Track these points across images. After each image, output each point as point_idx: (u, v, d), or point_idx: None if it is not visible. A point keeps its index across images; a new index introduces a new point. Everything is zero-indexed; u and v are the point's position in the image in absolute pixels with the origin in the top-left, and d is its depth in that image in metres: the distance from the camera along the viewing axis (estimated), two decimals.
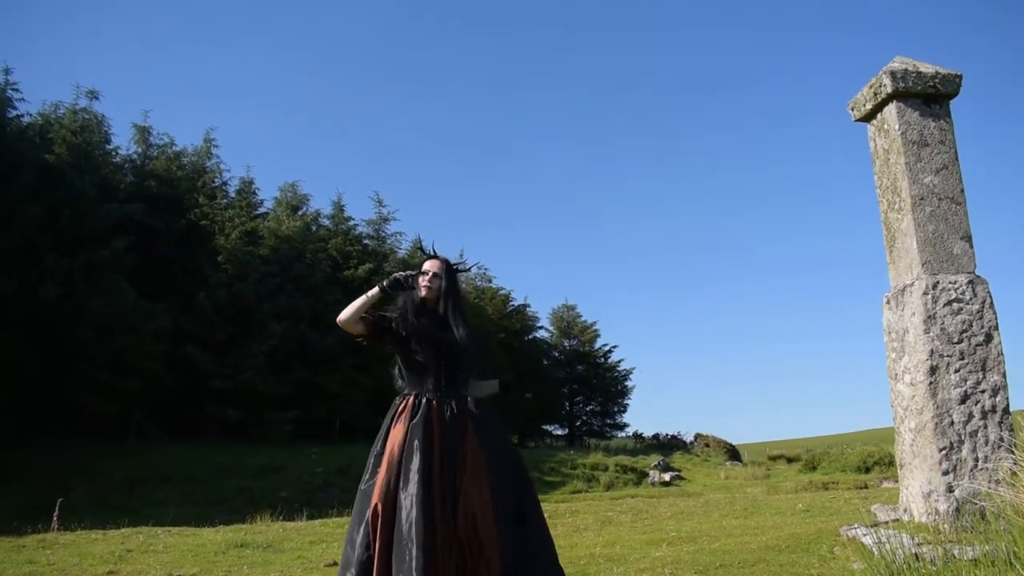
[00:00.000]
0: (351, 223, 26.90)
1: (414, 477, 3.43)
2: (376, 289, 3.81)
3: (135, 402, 19.41)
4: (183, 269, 21.76)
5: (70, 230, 17.95)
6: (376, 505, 3.42)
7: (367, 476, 3.56)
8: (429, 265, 3.94)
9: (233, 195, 25.17)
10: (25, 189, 17.16)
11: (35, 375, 17.04)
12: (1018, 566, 2.56)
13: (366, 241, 26.88)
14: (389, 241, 27.68)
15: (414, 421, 3.58)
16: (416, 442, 3.52)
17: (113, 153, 22.55)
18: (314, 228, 25.67)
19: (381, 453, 3.58)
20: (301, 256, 23.43)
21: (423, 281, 3.86)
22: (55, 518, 9.75)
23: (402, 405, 3.68)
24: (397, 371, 3.80)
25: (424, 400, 3.66)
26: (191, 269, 21.67)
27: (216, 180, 24.96)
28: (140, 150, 23.80)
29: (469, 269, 4.12)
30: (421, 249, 4.09)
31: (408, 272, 3.92)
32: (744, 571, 5.44)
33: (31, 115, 20.19)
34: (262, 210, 25.68)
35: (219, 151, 25.95)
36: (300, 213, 25.47)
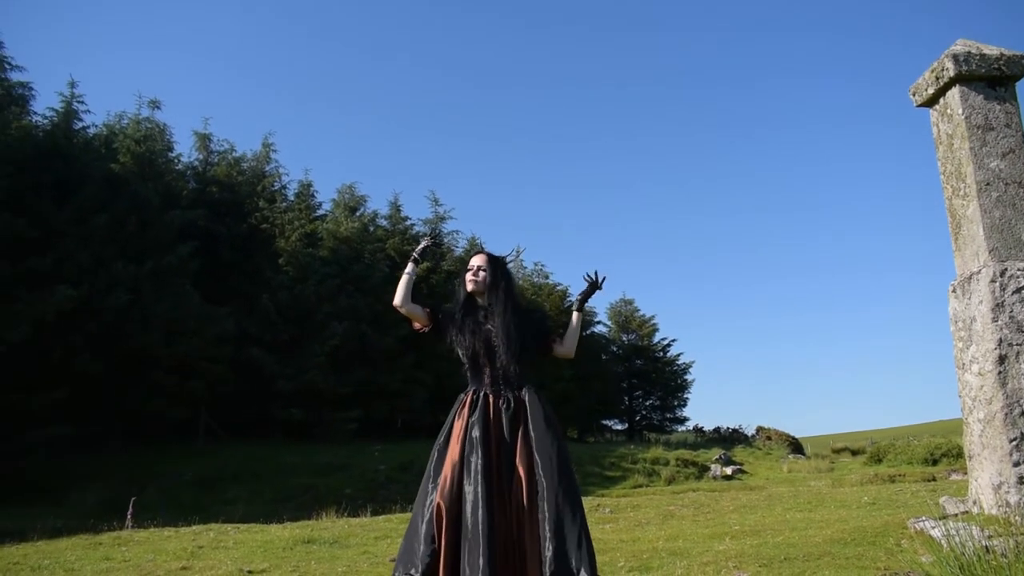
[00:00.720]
0: (408, 223, 27.19)
1: (476, 475, 3.51)
2: (411, 264, 3.90)
3: (202, 404, 19.91)
4: (245, 273, 22.23)
5: (136, 238, 18.47)
6: (439, 504, 3.50)
7: (431, 471, 3.64)
8: (474, 260, 4.01)
9: (292, 198, 25.62)
10: (92, 199, 17.70)
11: (105, 381, 17.58)
12: None
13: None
14: (446, 240, 27.89)
15: (473, 417, 3.67)
16: (475, 438, 3.60)
17: (175, 161, 23.13)
18: (372, 228, 25.99)
19: (444, 448, 3.66)
20: (360, 257, 23.74)
21: (468, 276, 3.93)
22: (129, 516, 10.07)
23: (463, 400, 3.76)
24: (464, 367, 3.87)
25: (481, 395, 3.75)
26: (253, 272, 22.12)
27: (275, 184, 25.45)
28: (201, 157, 24.38)
29: (509, 257, 4.15)
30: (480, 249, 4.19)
31: (431, 237, 4.04)
32: (809, 564, 5.38)
33: (96, 126, 20.85)
34: (321, 212, 26.09)
35: (277, 155, 26.50)
36: (358, 214, 25.82)
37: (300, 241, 22.47)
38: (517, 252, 4.22)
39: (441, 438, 3.68)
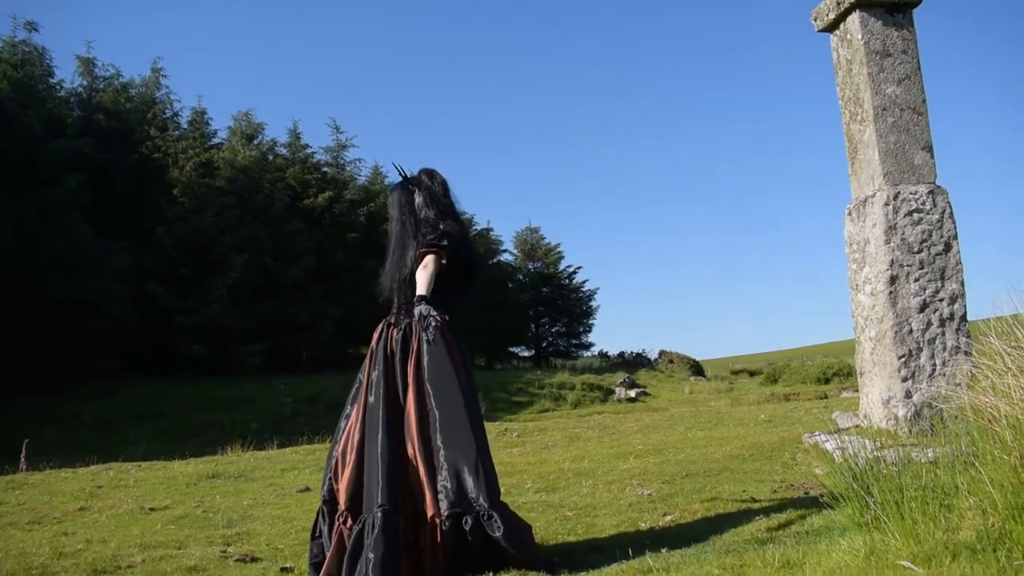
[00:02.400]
0: (308, 151, 26.42)
1: (378, 405, 3.61)
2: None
3: (101, 344, 19.18)
4: (139, 205, 21.26)
5: (19, 170, 17.39)
6: (347, 430, 3.72)
7: (349, 398, 3.87)
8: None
9: (185, 126, 24.47)
10: None
11: None
12: (977, 464, 2.63)
13: (325, 169, 26.46)
14: (348, 168, 27.27)
15: (377, 346, 3.78)
16: (378, 368, 3.71)
17: (57, 87, 21.73)
18: (271, 157, 25.15)
19: (360, 377, 3.85)
20: (259, 186, 22.99)
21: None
22: (23, 459, 9.67)
23: (377, 330, 3.87)
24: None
25: (385, 324, 3.88)
26: (147, 205, 21.19)
27: (167, 111, 24.23)
28: (86, 83, 22.98)
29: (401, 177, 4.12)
30: (400, 172, 4.12)
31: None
32: (709, 479, 5.57)
33: None
34: (216, 140, 25.04)
35: (168, 81, 25.15)
36: (256, 142, 24.89)
37: (195, 171, 21.56)
38: (399, 170, 4.13)
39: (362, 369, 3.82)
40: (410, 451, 3.54)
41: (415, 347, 3.71)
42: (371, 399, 3.65)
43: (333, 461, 3.73)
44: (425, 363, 3.68)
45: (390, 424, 3.55)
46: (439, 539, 3.40)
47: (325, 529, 3.64)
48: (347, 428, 3.74)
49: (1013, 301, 3.46)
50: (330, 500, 3.65)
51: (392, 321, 3.87)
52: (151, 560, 4.35)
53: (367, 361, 3.82)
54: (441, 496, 3.44)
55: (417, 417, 3.58)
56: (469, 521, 3.40)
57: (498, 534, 3.40)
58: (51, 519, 6.07)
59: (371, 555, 3.23)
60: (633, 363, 28.32)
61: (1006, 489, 2.41)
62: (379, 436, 3.51)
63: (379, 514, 3.32)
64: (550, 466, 7.06)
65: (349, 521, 3.46)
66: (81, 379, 18.72)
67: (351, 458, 3.59)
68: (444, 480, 3.47)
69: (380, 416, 3.56)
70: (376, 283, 4.05)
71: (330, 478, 3.70)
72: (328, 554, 3.47)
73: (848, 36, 6.37)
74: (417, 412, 3.59)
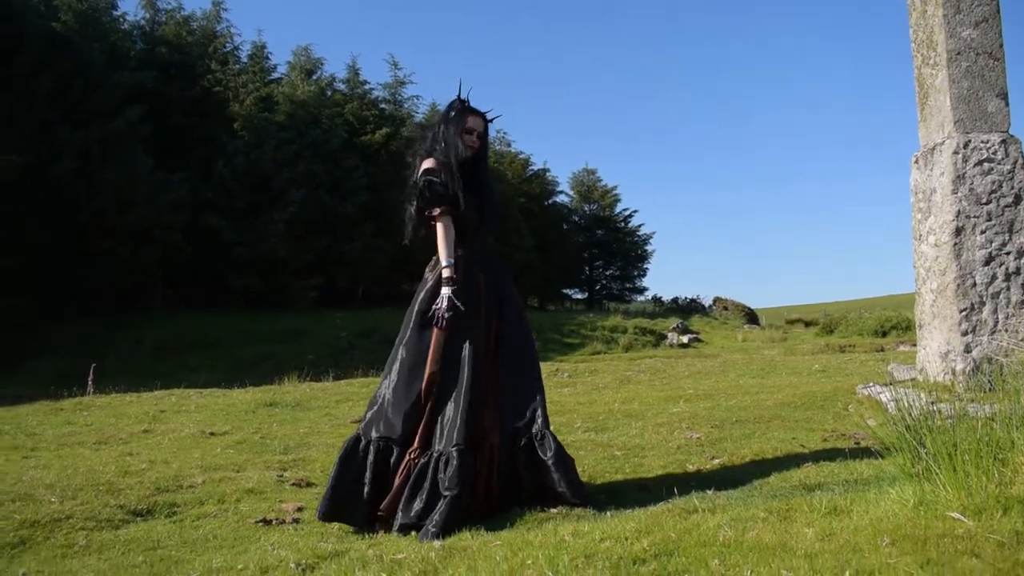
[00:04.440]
0: (367, 87, 26.41)
1: (466, 339, 3.70)
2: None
3: (157, 273, 19.68)
4: (198, 138, 21.57)
5: (82, 101, 17.71)
6: (433, 372, 3.70)
7: (412, 336, 3.82)
8: (473, 122, 3.93)
9: (245, 60, 24.65)
10: (34, 61, 16.84)
11: (56, 250, 17.20)
12: None
13: (383, 105, 26.45)
14: (406, 105, 27.22)
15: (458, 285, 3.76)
16: (466, 304, 3.72)
17: (120, 20, 21.98)
18: (329, 93, 25.20)
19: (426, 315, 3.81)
20: (317, 122, 23.10)
21: (469, 138, 3.90)
22: (90, 382, 10.05)
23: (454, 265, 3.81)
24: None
25: (464, 261, 3.83)
26: (206, 138, 21.47)
27: (227, 45, 24.41)
28: (148, 16, 23.22)
29: (497, 118, 4.11)
30: (460, 101, 4.00)
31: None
32: (760, 426, 5.56)
33: None
34: (276, 75, 25.18)
35: (228, 15, 25.31)
36: (315, 78, 24.95)
37: (255, 105, 21.75)
38: (498, 116, 4.12)
39: (420, 306, 3.79)
40: (485, 388, 3.67)
41: (501, 282, 3.91)
42: (463, 337, 3.71)
43: (410, 402, 3.68)
44: (503, 300, 3.86)
45: (473, 361, 3.65)
46: (495, 457, 3.59)
47: (373, 462, 3.64)
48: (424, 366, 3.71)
49: None
50: (401, 438, 3.63)
51: (473, 257, 3.88)
52: (211, 481, 4.53)
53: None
54: (506, 419, 3.65)
55: (494, 349, 3.77)
56: (523, 441, 3.62)
57: (548, 455, 3.57)
58: (117, 440, 6.33)
59: (446, 493, 3.37)
60: (687, 309, 28.20)
61: None
62: (463, 375, 3.62)
63: (454, 452, 3.46)
64: (600, 407, 7.12)
65: (417, 454, 3.58)
66: (139, 307, 19.29)
67: (428, 399, 3.67)
68: (508, 404, 3.68)
69: (464, 354, 3.67)
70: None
71: (404, 415, 3.65)
72: (396, 484, 3.55)
73: None
74: (496, 342, 3.79)
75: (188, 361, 14.60)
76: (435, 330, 3.68)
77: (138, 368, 13.40)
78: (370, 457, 3.59)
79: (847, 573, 2.02)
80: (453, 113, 3.96)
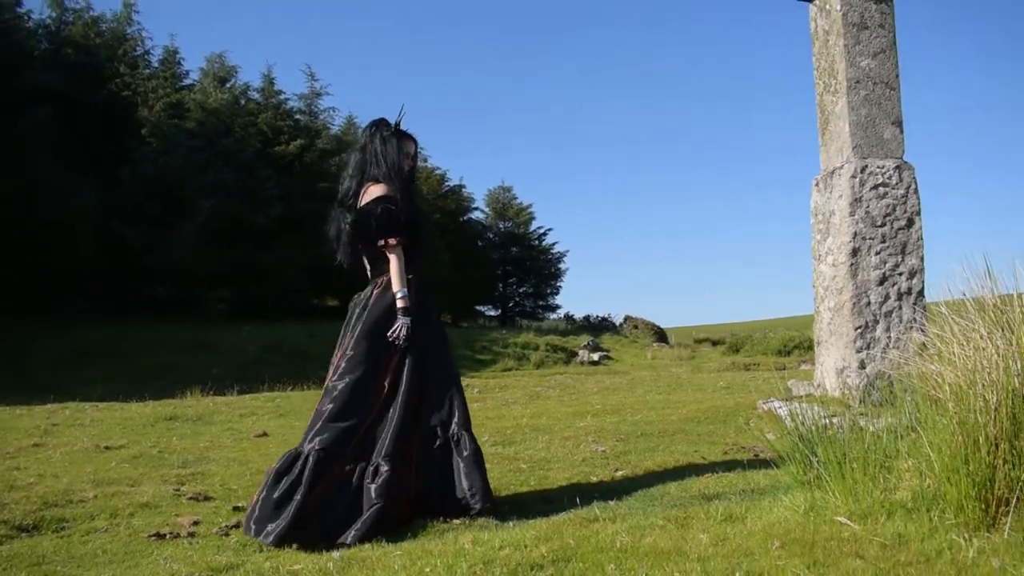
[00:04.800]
0: (282, 97, 25.96)
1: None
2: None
3: (62, 279, 18.90)
4: (106, 143, 20.85)
5: None
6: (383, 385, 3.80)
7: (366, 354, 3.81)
8: (408, 147, 4.02)
9: (156, 65, 23.94)
10: None
11: None
12: (919, 428, 2.70)
13: (298, 116, 26.05)
14: (322, 117, 26.84)
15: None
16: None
17: (25, 17, 21.15)
18: (243, 102, 24.65)
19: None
20: (230, 130, 22.58)
21: (407, 164, 3.99)
22: None
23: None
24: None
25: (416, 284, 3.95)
26: (114, 143, 20.78)
27: (138, 48, 23.65)
28: (54, 15, 22.35)
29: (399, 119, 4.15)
30: (397, 126, 4.05)
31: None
32: (664, 440, 5.66)
33: None
34: (187, 81, 24.54)
35: (140, 17, 24.60)
36: (228, 85, 24.39)
37: (165, 111, 21.13)
38: (400, 115, 4.12)
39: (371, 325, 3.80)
40: (415, 401, 3.77)
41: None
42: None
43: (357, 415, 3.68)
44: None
45: (409, 376, 3.75)
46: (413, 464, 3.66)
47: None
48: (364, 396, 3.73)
49: (969, 280, 3.52)
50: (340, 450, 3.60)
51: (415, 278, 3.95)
52: (103, 496, 4.35)
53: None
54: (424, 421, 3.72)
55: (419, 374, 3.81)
56: (438, 441, 3.70)
57: (464, 455, 3.65)
58: (4, 454, 6.03)
59: (376, 503, 3.41)
60: (598, 327, 28.50)
61: (943, 452, 2.48)
62: (400, 390, 3.71)
63: (385, 464, 3.53)
64: (508, 421, 7.12)
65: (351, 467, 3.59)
66: (39, 315, 18.48)
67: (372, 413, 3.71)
68: (432, 413, 3.76)
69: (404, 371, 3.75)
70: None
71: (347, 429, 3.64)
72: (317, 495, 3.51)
73: (827, 6, 6.38)
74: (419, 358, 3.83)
75: (87, 372, 14.02)
76: (389, 348, 3.74)
77: (32, 379, 12.80)
78: (307, 470, 3.52)
79: (737, 575, 2.07)
80: (389, 135, 3.98)
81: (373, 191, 3.86)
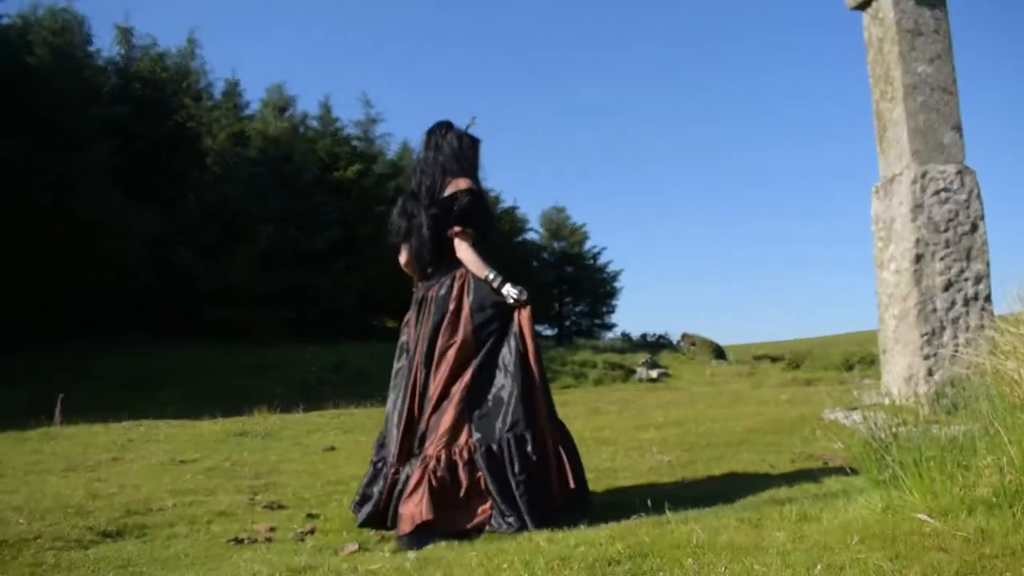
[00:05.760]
0: (339, 124, 26.54)
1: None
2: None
3: (127, 305, 19.47)
4: (170, 172, 21.52)
5: (56, 134, 17.62)
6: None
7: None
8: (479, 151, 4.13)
9: (219, 97, 24.73)
10: (8, 92, 16.77)
11: (27, 279, 16.99)
12: (996, 424, 2.68)
13: (355, 142, 26.58)
14: (378, 143, 27.37)
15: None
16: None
17: (95, 55, 22.01)
18: (301, 130, 25.29)
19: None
20: (289, 158, 23.15)
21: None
22: (58, 412, 9.88)
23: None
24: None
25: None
26: (178, 172, 21.43)
27: (201, 82, 24.47)
28: (122, 52, 23.21)
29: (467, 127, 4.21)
30: (465, 133, 4.10)
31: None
32: (729, 449, 5.63)
33: (10, 16, 19.51)
34: (248, 112, 25.27)
35: (203, 52, 25.40)
36: (287, 115, 25.04)
37: (227, 140, 21.80)
38: (470, 123, 4.18)
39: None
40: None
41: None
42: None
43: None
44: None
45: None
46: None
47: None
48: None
49: None
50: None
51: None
52: (182, 504, 4.49)
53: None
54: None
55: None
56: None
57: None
58: (84, 467, 6.24)
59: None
60: (655, 345, 28.32)
61: (1023, 447, 2.46)
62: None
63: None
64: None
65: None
66: (106, 339, 19.04)
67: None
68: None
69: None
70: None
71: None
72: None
73: (880, 14, 6.35)
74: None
75: (156, 394, 14.40)
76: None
77: (107, 400, 13.19)
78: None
79: (819, 567, 2.08)
80: (464, 134, 4.04)
81: (460, 183, 3.88)
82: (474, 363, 3.70)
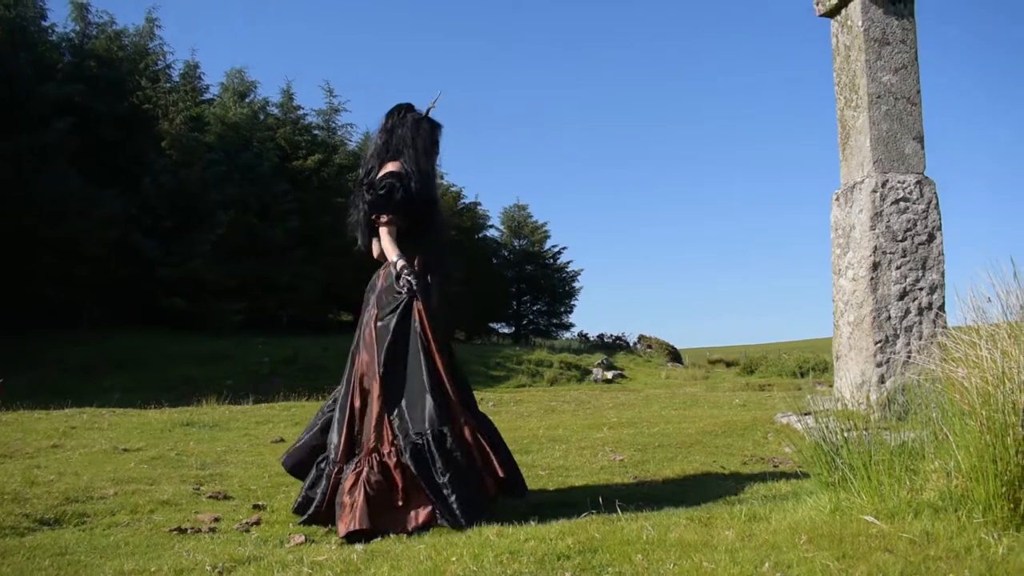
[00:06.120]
0: (300, 112, 26.21)
1: None
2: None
3: (82, 289, 19.04)
4: (126, 154, 21.06)
5: (7, 111, 17.18)
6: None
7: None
8: (439, 139, 4.04)
9: (177, 79, 24.25)
10: None
11: None
12: (945, 428, 2.70)
13: (316, 131, 26.28)
14: (339, 132, 27.08)
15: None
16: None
17: (49, 31, 21.44)
18: (262, 116, 24.92)
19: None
20: (248, 145, 22.81)
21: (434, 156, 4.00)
22: None
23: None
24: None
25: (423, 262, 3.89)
26: (134, 155, 20.98)
27: (159, 63, 23.96)
28: (78, 28, 22.65)
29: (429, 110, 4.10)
30: (425, 116, 4.01)
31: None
32: (681, 450, 5.64)
33: None
34: (207, 96, 24.84)
35: (162, 32, 24.87)
36: (247, 100, 24.66)
37: (185, 125, 21.36)
38: (432, 103, 4.07)
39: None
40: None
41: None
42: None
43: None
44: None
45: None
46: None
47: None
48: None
49: (993, 284, 3.50)
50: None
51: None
52: (123, 493, 4.38)
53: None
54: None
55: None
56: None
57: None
58: (23, 454, 6.07)
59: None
60: (612, 346, 28.45)
61: (971, 452, 2.48)
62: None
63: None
64: (524, 432, 7.11)
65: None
66: (59, 325, 18.61)
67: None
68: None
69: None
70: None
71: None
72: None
73: (848, 22, 6.41)
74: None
75: (103, 382, 14.12)
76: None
77: (52, 386, 12.90)
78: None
79: (767, 564, 2.06)
80: (421, 118, 3.95)
81: (387, 167, 3.83)
82: (382, 357, 3.61)
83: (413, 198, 3.78)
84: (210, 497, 4.36)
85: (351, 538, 3.23)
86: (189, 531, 3.60)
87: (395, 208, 3.72)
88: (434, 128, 3.97)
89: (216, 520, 3.80)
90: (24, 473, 4.94)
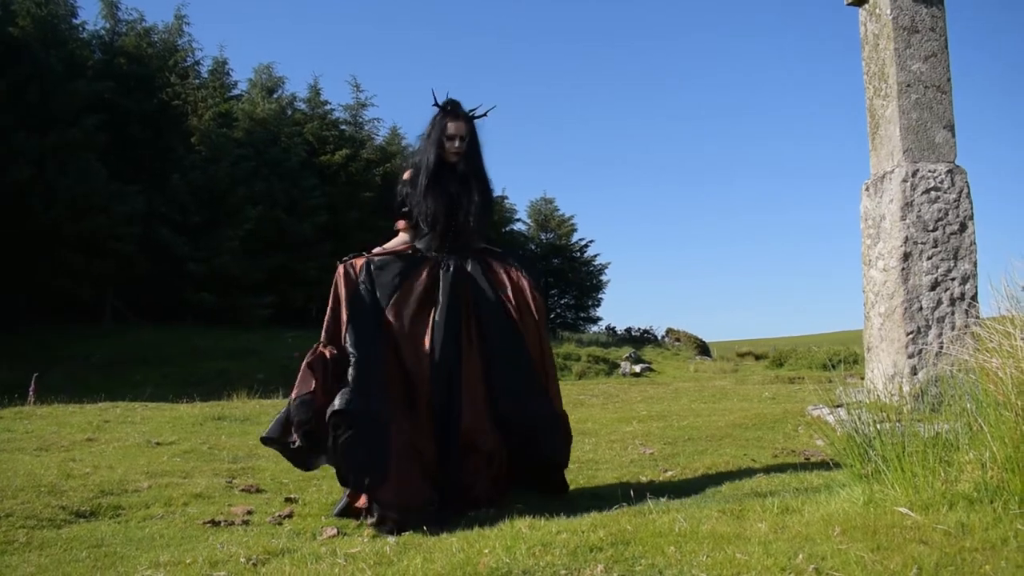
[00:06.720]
0: (328, 108, 26.37)
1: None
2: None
3: (109, 285, 19.30)
4: (155, 150, 21.31)
5: (38, 108, 17.43)
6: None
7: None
8: (453, 127, 3.86)
9: (206, 75, 24.50)
10: None
11: (6, 258, 16.81)
12: (979, 419, 2.67)
13: (343, 127, 26.41)
14: (367, 127, 27.21)
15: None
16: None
17: (80, 28, 21.71)
18: (289, 112, 25.11)
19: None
20: (276, 140, 22.99)
21: (450, 145, 3.85)
22: (31, 392, 9.78)
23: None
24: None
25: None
26: (163, 151, 21.23)
27: (188, 59, 24.22)
28: (108, 26, 22.93)
29: (486, 114, 4.02)
30: (440, 106, 3.94)
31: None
32: (712, 443, 5.62)
33: None
34: (236, 92, 25.06)
35: (190, 29, 25.08)
36: (275, 96, 24.87)
37: (213, 121, 21.57)
38: (486, 112, 4.02)
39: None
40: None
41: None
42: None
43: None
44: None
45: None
46: None
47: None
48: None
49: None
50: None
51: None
52: (157, 486, 4.44)
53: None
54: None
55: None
56: None
57: None
58: (59, 447, 6.18)
59: None
60: (640, 340, 28.35)
61: (1006, 443, 2.45)
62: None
63: None
64: None
65: None
66: (87, 320, 18.88)
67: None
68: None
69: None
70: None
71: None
72: None
73: (877, 10, 6.32)
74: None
75: (135, 376, 14.30)
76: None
77: (84, 381, 13.09)
78: None
79: (800, 556, 2.06)
80: (440, 118, 3.92)
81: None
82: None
83: (411, 204, 4.09)
84: (243, 490, 4.41)
85: (388, 527, 3.28)
86: (223, 524, 3.64)
87: (410, 211, 4.06)
88: (444, 119, 3.93)
89: (249, 513, 3.84)
90: (60, 466, 5.03)
